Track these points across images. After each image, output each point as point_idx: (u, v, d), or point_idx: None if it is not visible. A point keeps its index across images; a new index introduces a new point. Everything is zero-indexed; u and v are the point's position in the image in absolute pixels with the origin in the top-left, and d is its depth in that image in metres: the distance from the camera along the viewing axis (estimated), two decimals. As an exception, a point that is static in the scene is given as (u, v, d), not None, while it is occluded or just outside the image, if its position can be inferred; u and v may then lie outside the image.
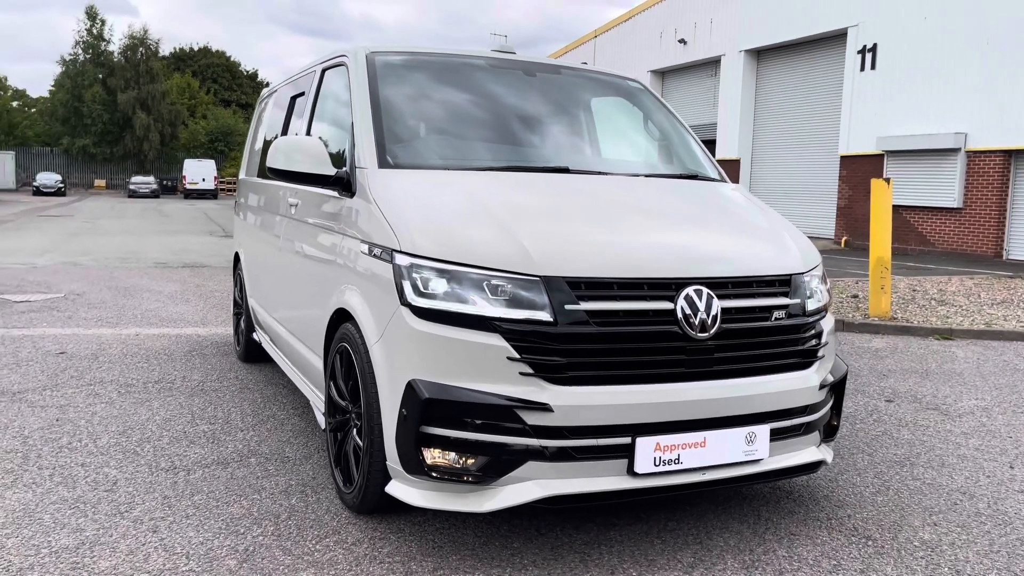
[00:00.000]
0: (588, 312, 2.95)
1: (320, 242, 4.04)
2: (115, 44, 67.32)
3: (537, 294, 2.94)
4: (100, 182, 65.70)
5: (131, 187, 53.58)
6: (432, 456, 2.96)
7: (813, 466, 3.44)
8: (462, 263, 2.99)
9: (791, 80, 24.64)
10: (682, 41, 28.23)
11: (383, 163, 3.58)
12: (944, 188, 19.94)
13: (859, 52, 21.66)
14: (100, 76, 65.50)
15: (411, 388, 2.95)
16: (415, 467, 2.97)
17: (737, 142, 26.03)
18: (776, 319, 3.27)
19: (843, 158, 22.44)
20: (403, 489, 3.08)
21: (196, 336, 7.62)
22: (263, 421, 4.85)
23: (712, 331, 3.09)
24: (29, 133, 71.65)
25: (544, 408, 2.88)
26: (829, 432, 3.65)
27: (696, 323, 3.06)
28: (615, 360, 2.98)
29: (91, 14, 66.02)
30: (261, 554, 3.09)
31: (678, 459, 3.04)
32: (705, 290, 3.11)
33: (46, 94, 71.08)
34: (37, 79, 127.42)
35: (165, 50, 72.98)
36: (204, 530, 3.30)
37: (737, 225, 3.70)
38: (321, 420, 3.89)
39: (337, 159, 3.91)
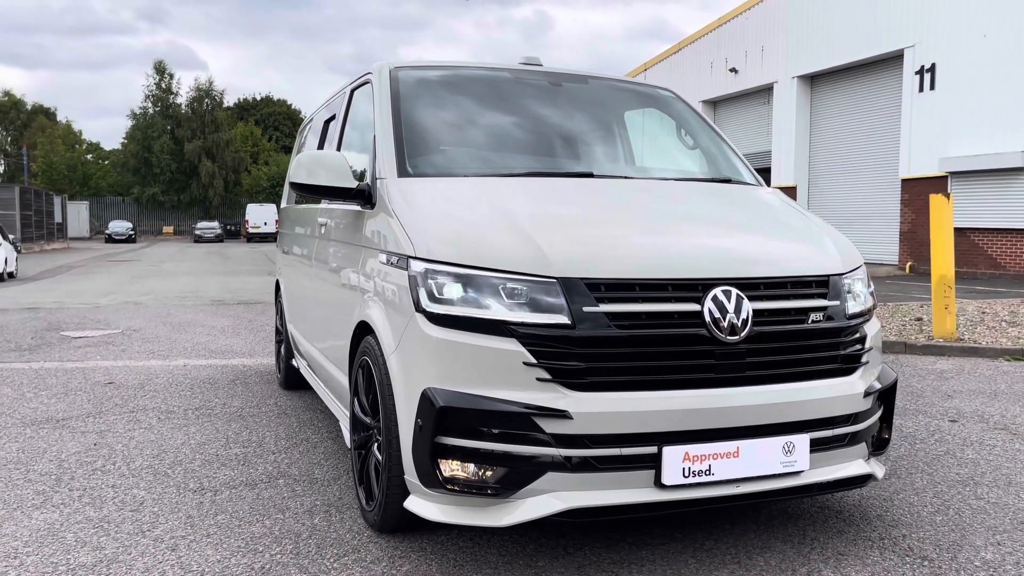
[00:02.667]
0: (608, 315, 2.81)
1: (345, 258, 4.00)
2: (182, 96, 69.96)
3: (554, 296, 2.82)
4: (168, 228, 67.94)
5: (196, 232, 55.29)
6: (448, 468, 2.84)
7: (860, 480, 3.21)
8: (476, 266, 2.89)
9: (847, 104, 24.16)
10: (733, 70, 28.01)
11: (402, 172, 3.53)
12: (1013, 208, 19.17)
13: (917, 73, 21.14)
14: (168, 127, 68.08)
15: (425, 397, 2.85)
16: (431, 480, 2.85)
17: (793, 169, 25.56)
18: (814, 321, 3.08)
19: (904, 181, 21.81)
20: (421, 504, 2.96)
21: (242, 366, 7.66)
22: (296, 444, 4.79)
23: (743, 334, 2.91)
24: (102, 184, 74.70)
25: (563, 415, 2.74)
26: (879, 445, 3.42)
27: (725, 326, 2.89)
28: (638, 365, 2.83)
29: (159, 69, 68.86)
30: (277, 572, 3.00)
31: (709, 470, 2.86)
32: (734, 291, 2.94)
33: (118, 146, 74.09)
34: (111, 133, 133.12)
35: (229, 100, 75.60)
36: (223, 549, 3.22)
37: (771, 226, 3.53)
38: (348, 439, 3.80)
39: (361, 174, 3.88)
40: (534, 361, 2.77)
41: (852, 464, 3.19)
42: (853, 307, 3.24)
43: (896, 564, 3.09)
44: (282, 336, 6.55)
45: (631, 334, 2.81)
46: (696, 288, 2.93)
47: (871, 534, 3.40)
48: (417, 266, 3.00)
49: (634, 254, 2.97)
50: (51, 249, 41.74)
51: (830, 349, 3.12)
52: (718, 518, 3.54)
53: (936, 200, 9.07)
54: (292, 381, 6.28)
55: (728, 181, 4.03)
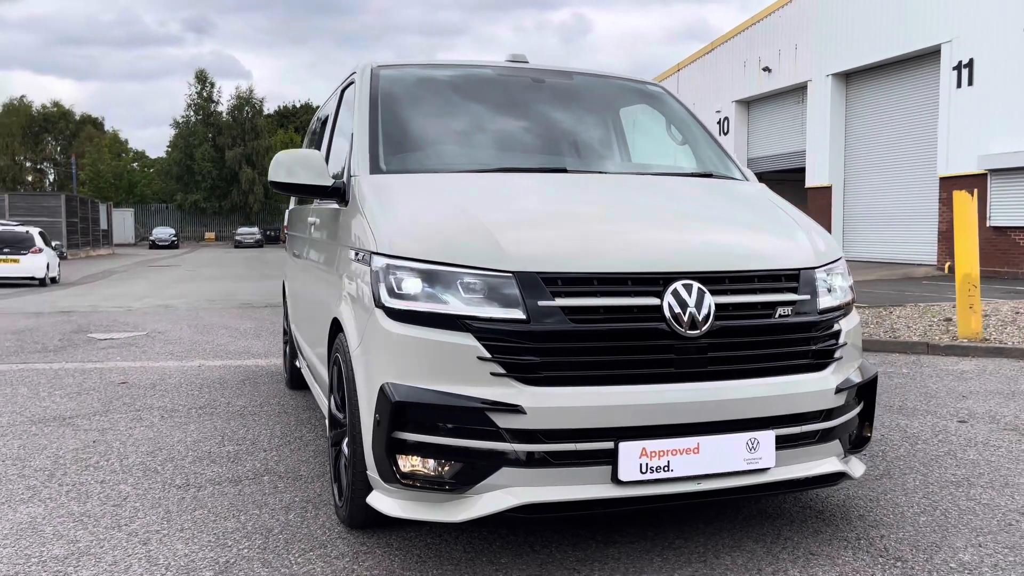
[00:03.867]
0: (564, 308, 2.78)
1: (326, 256, 4.03)
2: (223, 105, 71.23)
3: (510, 291, 2.80)
4: (210, 234, 69.16)
5: (237, 238, 56.20)
6: (406, 464, 2.84)
7: (831, 478, 3.13)
8: (434, 261, 2.89)
9: (883, 102, 23.71)
10: (766, 69, 27.66)
11: (375, 169, 3.54)
12: (1055, 206, 18.63)
13: (954, 68, 20.66)
14: (209, 135, 69.39)
15: (383, 392, 2.85)
16: (389, 475, 2.85)
17: (828, 169, 25.14)
18: (781, 316, 3.02)
19: (942, 180, 21.31)
20: (382, 499, 2.97)
21: (255, 367, 7.75)
22: (288, 442, 4.83)
23: (704, 328, 2.87)
24: (147, 191, 76.39)
25: (516, 410, 2.72)
26: (857, 443, 3.34)
27: (685, 320, 2.85)
28: (595, 359, 2.80)
29: (201, 78, 70.25)
30: (240, 566, 3.02)
31: (668, 466, 2.82)
32: (696, 285, 2.89)
33: (163, 155, 75.67)
34: (158, 142, 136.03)
35: (269, 108, 76.74)
36: (192, 543, 3.25)
37: (744, 219, 3.47)
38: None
39: (340, 172, 3.90)
40: (488, 356, 2.76)
41: (824, 462, 3.11)
42: (827, 301, 3.17)
43: (867, 564, 3.01)
44: (288, 336, 6.61)
45: (587, 328, 2.78)
46: (657, 282, 2.89)
47: (848, 534, 3.31)
48: (379, 262, 3.01)
49: (593, 248, 2.94)
50: (96, 255, 42.74)
51: (799, 344, 3.06)
52: (693, 516, 3.48)
53: (960, 196, 8.85)
54: (297, 381, 6.34)
55: (710, 176, 3.98)
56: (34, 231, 22.23)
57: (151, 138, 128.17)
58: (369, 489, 3.09)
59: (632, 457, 2.78)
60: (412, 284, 2.89)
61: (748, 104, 29.88)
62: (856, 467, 3.34)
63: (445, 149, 3.84)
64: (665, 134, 4.55)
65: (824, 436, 3.10)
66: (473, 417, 2.74)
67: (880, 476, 4.11)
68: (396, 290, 2.91)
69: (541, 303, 2.78)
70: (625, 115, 4.48)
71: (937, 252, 21.74)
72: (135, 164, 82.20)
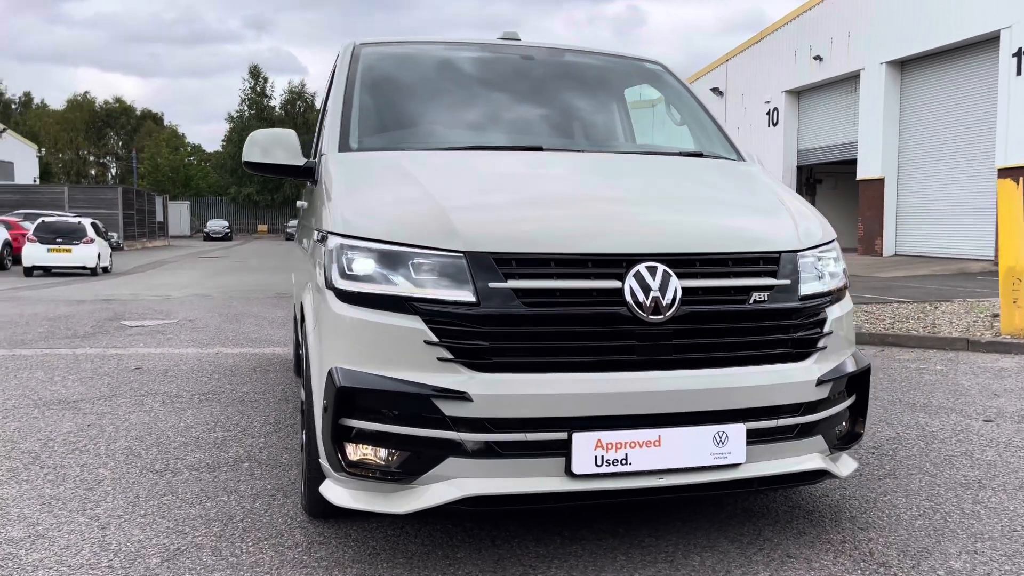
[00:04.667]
0: (517, 291, 2.63)
1: (305, 238, 3.95)
2: (276, 99, 72.30)
3: (460, 272, 2.65)
4: (263, 227, 70.38)
5: (288, 230, 57.04)
6: (353, 452, 2.72)
7: (810, 476, 2.92)
8: (385, 241, 2.75)
9: (939, 91, 22.86)
10: (818, 58, 26.90)
11: (343, 147, 3.43)
12: (1121, 199, 17.70)
13: (1013, 55, 19.78)
14: (263, 129, 70.53)
15: (330, 377, 2.73)
16: (336, 463, 2.74)
17: (880, 160, 24.35)
18: (756, 302, 2.82)
19: (1001, 171, 20.45)
20: (333, 489, 2.85)
21: (271, 355, 7.75)
22: (279, 430, 4.76)
23: (669, 314, 2.68)
24: (202, 184, 78.06)
25: (462, 397, 2.58)
26: (847, 439, 3.12)
27: (647, 304, 2.67)
28: (548, 345, 2.64)
29: (254, 73, 71.45)
30: (188, 554, 2.94)
31: (626, 459, 2.64)
32: (661, 267, 2.71)
33: (219, 148, 77.21)
34: (215, 136, 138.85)
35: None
36: (150, 529, 3.19)
37: (724, 199, 3.27)
38: None
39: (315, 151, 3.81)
40: (436, 340, 2.62)
41: (803, 459, 2.91)
42: (811, 287, 2.96)
43: (846, 569, 2.80)
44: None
45: (541, 312, 2.63)
46: (620, 264, 2.71)
47: (834, 536, 3.10)
48: (333, 241, 2.89)
49: (553, 228, 2.78)
50: (152, 246, 43.79)
51: (777, 332, 2.85)
52: (670, 513, 3.30)
53: (1004, 185, 8.42)
54: (301, 368, 6.29)
55: (700, 155, 3.77)
56: (86, 222, 22.79)
57: (210, 133, 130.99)
58: (323, 478, 2.98)
59: (586, 449, 2.62)
60: (363, 265, 2.77)
61: (799, 94, 29.14)
62: (845, 465, 3.12)
63: (420, 127, 3.71)
64: (666, 113, 4.35)
65: (804, 431, 2.89)
66: (418, 404, 2.61)
67: (884, 476, 3.86)
68: (347, 271, 2.79)
69: (492, 285, 2.63)
70: (615, 90, 4.29)
71: (995, 246, 20.88)
72: (192, 158, 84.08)
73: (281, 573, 2.79)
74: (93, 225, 23.12)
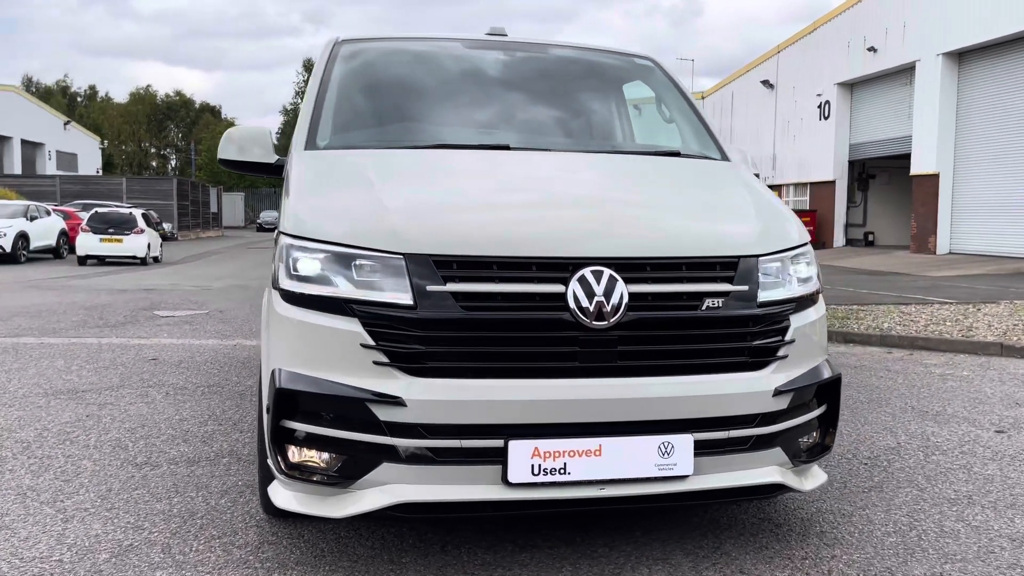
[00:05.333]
0: (455, 294, 2.57)
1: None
2: (330, 92, 73.13)
3: (399, 274, 2.61)
4: (316, 218, 71.27)
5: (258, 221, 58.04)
6: (294, 454, 2.70)
7: (766, 490, 2.81)
8: (328, 241, 2.72)
9: (998, 83, 21.99)
10: (872, 49, 26.13)
11: (309, 145, 3.41)
12: None
13: (1078, 46, 18.94)
14: (317, 122, 71.47)
15: (272, 378, 2.72)
16: (278, 465, 2.72)
17: (935, 155, 23.56)
18: (709, 308, 2.71)
19: (1062, 167, 19.64)
20: (278, 491, 2.84)
21: (287, 348, 7.80)
22: (268, 424, 4.79)
23: (614, 319, 2.60)
24: (257, 177, 79.37)
25: (396, 402, 2.53)
26: (816, 452, 2.99)
27: (591, 310, 2.59)
28: (486, 350, 2.58)
29: (308, 66, 72.35)
30: (137, 551, 2.96)
31: (564, 469, 2.57)
32: (607, 271, 2.62)
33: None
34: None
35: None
36: (110, 524, 3.23)
37: (686, 201, 3.17)
38: None
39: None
40: (372, 343, 2.58)
41: (758, 471, 2.79)
42: (772, 294, 2.84)
43: (798, 589, 2.69)
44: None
45: (480, 317, 2.57)
46: (565, 268, 2.64)
47: (796, 552, 2.98)
48: (282, 241, 2.87)
49: (498, 230, 2.71)
50: (205, 236, 44.76)
51: (731, 340, 2.75)
52: (633, 523, 3.21)
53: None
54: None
55: (677, 154, 3.66)
56: (137, 212, 23.37)
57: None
58: (273, 478, 2.97)
59: (523, 457, 2.55)
60: (308, 265, 2.74)
61: (851, 87, 28.36)
62: (810, 478, 3.00)
63: (390, 125, 3.67)
64: (657, 111, 4.24)
65: (760, 443, 2.78)
66: (354, 408, 2.58)
67: (870, 488, 3.71)
68: (293, 271, 2.77)
69: (430, 288, 2.58)
70: (597, 87, 4.17)
71: (1053, 245, 20.09)
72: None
73: (223, 573, 2.79)
74: (144, 216, 23.70)
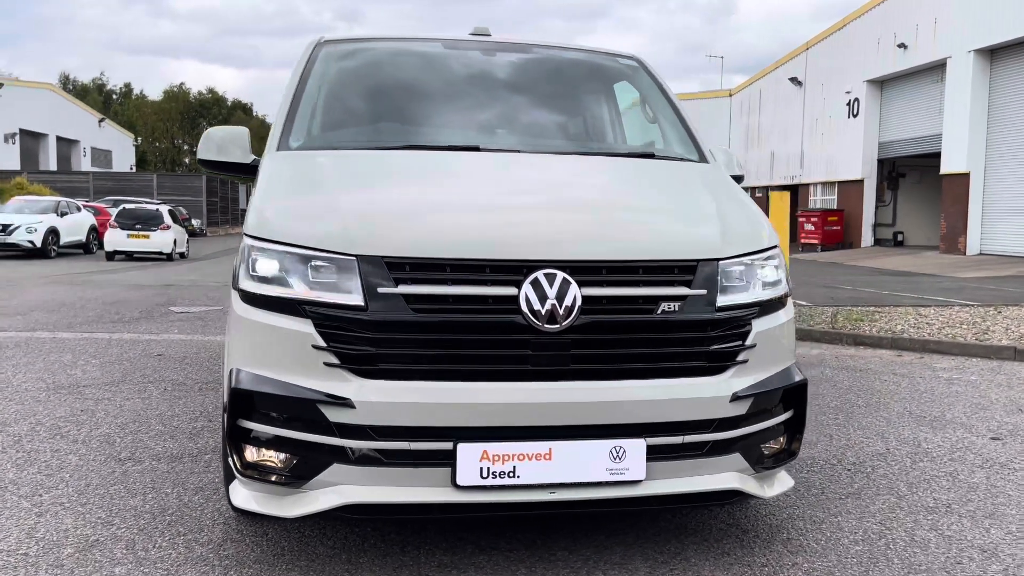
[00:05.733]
0: (407, 296, 2.58)
1: None
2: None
3: (351, 276, 2.62)
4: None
5: None
6: (250, 454, 2.72)
7: (724, 496, 2.78)
8: (285, 242, 2.74)
9: (1031, 80, 21.54)
10: (902, 46, 25.72)
11: (282, 146, 3.43)
12: None
13: (1113, 42, 18.49)
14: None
15: (229, 378, 2.75)
16: (234, 464, 2.75)
17: (966, 154, 23.13)
18: (664, 312, 2.69)
19: (1096, 166, 19.20)
20: (237, 490, 2.86)
21: (293, 345, 7.86)
22: (257, 421, 4.83)
23: (566, 322, 2.59)
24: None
25: (345, 404, 2.55)
26: (781, 457, 2.96)
27: (543, 312, 2.58)
28: (437, 353, 2.58)
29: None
30: (102, 547, 3.01)
31: (513, 472, 2.57)
32: (560, 274, 2.61)
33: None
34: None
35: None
36: (81, 519, 3.28)
37: (649, 204, 3.14)
38: None
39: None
40: (323, 344, 2.59)
41: (715, 477, 2.77)
42: (732, 298, 2.80)
43: (752, 597, 2.66)
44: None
45: (430, 319, 2.57)
46: (519, 270, 2.63)
47: (757, 559, 2.95)
48: (244, 242, 2.90)
49: (452, 232, 2.71)
50: (234, 232, 45.23)
51: (687, 344, 2.72)
52: (597, 526, 3.20)
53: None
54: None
55: (651, 156, 3.62)
56: (164, 209, 23.71)
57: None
58: (234, 477, 3.00)
59: (471, 460, 2.55)
60: (266, 266, 2.76)
61: (881, 84, 27.94)
62: (774, 485, 2.96)
63: (361, 126, 3.68)
64: (642, 112, 4.21)
65: (718, 448, 2.76)
66: (305, 409, 2.59)
67: (847, 496, 3.65)
68: (251, 272, 2.79)
69: (381, 289, 2.58)
70: (579, 87, 4.14)
71: (1086, 247, 19.64)
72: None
73: (181, 570, 2.82)
74: (171, 212, 24.04)
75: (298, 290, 2.67)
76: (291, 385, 2.61)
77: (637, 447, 2.63)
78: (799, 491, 3.68)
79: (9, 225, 22.08)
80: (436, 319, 2.57)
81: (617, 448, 2.62)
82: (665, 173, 3.46)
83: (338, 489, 2.59)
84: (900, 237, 28.78)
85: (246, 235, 2.88)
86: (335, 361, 2.59)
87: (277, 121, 3.58)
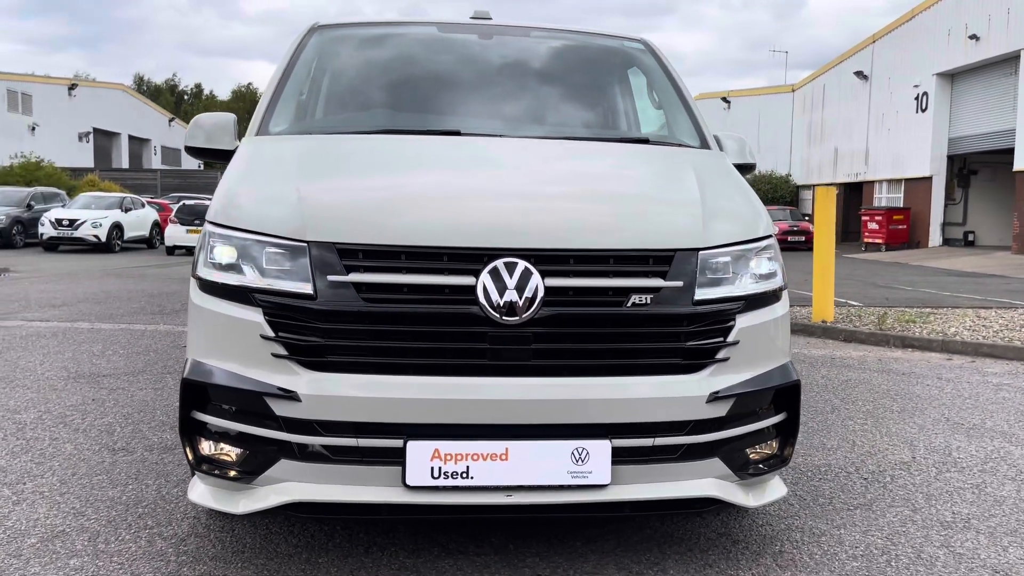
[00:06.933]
0: (357, 285, 2.45)
1: None
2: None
3: (302, 263, 2.50)
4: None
5: None
6: (203, 447, 2.63)
7: (699, 503, 2.58)
8: (239, 228, 2.64)
9: (1113, 71, 20.41)
10: (973, 37, 24.65)
11: (261, 131, 3.34)
12: None
13: None
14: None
15: (184, 368, 2.66)
16: (189, 458, 2.66)
17: (1041, 149, 22.06)
18: (635, 304, 2.50)
19: None
20: (195, 485, 2.76)
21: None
22: (260, 414, 4.78)
23: (526, 315, 2.42)
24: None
25: (291, 397, 2.43)
26: (770, 464, 2.74)
27: (500, 304, 2.42)
28: (388, 345, 2.44)
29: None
30: (65, 538, 2.96)
31: (467, 472, 2.42)
32: (521, 263, 2.45)
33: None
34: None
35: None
36: (56, 508, 3.24)
37: (631, 191, 2.95)
38: None
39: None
40: (271, 335, 2.48)
41: (690, 483, 2.57)
42: (712, 291, 2.60)
43: (724, 614, 2.45)
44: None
45: (381, 309, 2.43)
46: (480, 259, 2.47)
47: (741, 573, 2.73)
48: (205, 228, 2.81)
49: (410, 219, 2.56)
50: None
51: (659, 340, 2.53)
52: (576, 531, 3.01)
53: None
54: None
55: (646, 141, 3.42)
56: (221, 205, 24.14)
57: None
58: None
59: (422, 459, 2.41)
60: (222, 253, 2.66)
61: (951, 77, 26.84)
62: (762, 493, 2.74)
63: (344, 111, 3.57)
64: (648, 97, 4.01)
65: (693, 452, 2.55)
66: (252, 402, 2.49)
67: (857, 507, 3.39)
68: (209, 259, 2.69)
69: (331, 277, 2.46)
70: (576, 71, 3.94)
71: None
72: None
73: (136, 564, 2.75)
74: (228, 208, 24.46)
75: (250, 278, 2.56)
76: (240, 376, 2.51)
77: (601, 449, 2.45)
78: (804, 500, 3.44)
79: (76, 220, 22.83)
80: (387, 309, 2.43)
81: (579, 450, 2.45)
82: (653, 159, 3.26)
83: (284, 487, 2.48)
84: (971, 237, 27.63)
85: (207, 221, 2.79)
86: (283, 352, 2.47)
87: (260, 106, 3.50)
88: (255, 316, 2.51)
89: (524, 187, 2.86)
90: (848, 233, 33.77)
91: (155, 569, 2.71)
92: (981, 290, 14.25)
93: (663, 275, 2.54)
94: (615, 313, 2.49)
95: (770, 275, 2.77)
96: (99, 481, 3.57)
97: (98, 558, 2.79)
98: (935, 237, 27.72)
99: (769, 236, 2.84)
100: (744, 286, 2.68)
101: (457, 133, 3.27)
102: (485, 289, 2.43)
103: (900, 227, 27.85)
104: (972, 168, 28.00)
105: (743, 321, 2.64)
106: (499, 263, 2.45)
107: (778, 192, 37.06)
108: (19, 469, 3.72)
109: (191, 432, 2.62)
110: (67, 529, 3.04)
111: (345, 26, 3.97)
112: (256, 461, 2.52)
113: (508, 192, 2.79)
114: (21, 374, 5.83)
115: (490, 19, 4.11)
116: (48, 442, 4.15)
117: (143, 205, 26.53)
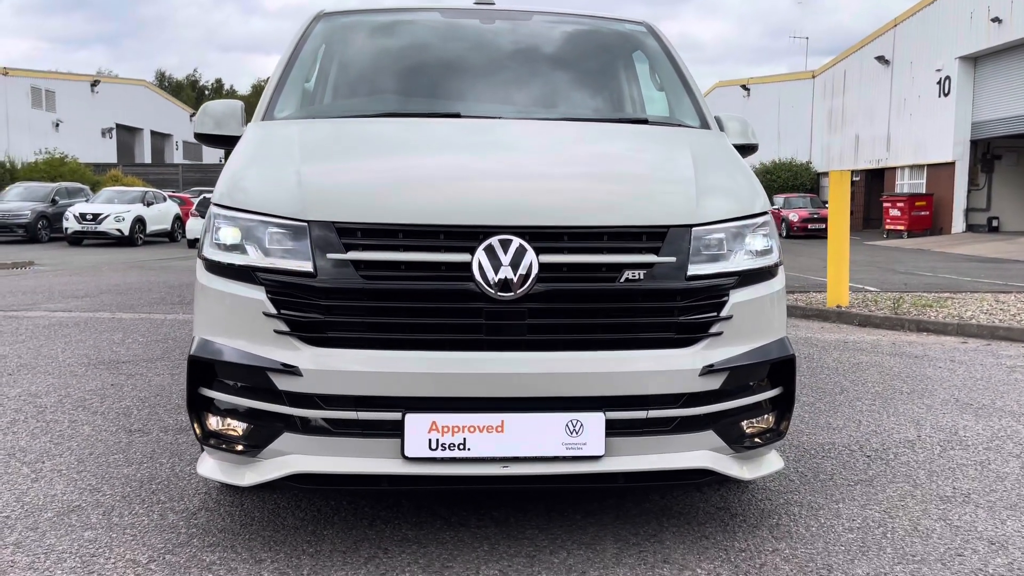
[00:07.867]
0: (356, 263, 2.51)
1: None
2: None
3: (302, 242, 2.57)
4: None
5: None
6: (210, 422, 2.71)
7: (693, 475, 2.62)
8: (244, 209, 2.71)
9: None
10: (996, 19, 24.30)
11: (267, 116, 3.42)
12: None
13: None
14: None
15: (191, 346, 2.74)
16: (197, 433, 2.74)
17: (1066, 132, 21.74)
18: (628, 280, 2.55)
19: None
20: (204, 460, 2.85)
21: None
22: (273, 397, 4.87)
23: (521, 291, 2.48)
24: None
25: (293, 372, 2.50)
26: (765, 437, 2.78)
27: (495, 280, 2.47)
28: (387, 321, 2.51)
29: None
30: (80, 512, 3.06)
31: (464, 444, 2.48)
32: (516, 240, 2.50)
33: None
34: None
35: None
36: (73, 485, 3.35)
37: (625, 170, 2.98)
38: None
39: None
40: (274, 312, 2.56)
41: (684, 455, 2.61)
42: (706, 267, 2.63)
43: (717, 582, 2.50)
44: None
45: (380, 286, 2.50)
46: (475, 236, 2.53)
47: (737, 544, 2.78)
48: (211, 210, 2.88)
49: (406, 197, 2.63)
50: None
51: (652, 315, 2.57)
52: (577, 505, 3.07)
53: None
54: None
55: (645, 122, 3.45)
56: (242, 198, 24.36)
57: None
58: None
59: (420, 431, 2.48)
60: (227, 234, 2.74)
61: (975, 60, 26.48)
62: (758, 466, 2.78)
63: (347, 96, 3.64)
64: (650, 79, 4.04)
65: (687, 425, 2.60)
66: (256, 377, 2.57)
67: (857, 482, 3.42)
68: (214, 240, 2.77)
69: (331, 256, 2.53)
70: (577, 54, 3.97)
71: None
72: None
73: (147, 536, 2.84)
74: (249, 201, 24.69)
75: (254, 257, 2.64)
76: (244, 353, 2.58)
77: (595, 421, 2.50)
78: (805, 476, 3.48)
79: (99, 214, 23.17)
80: (386, 286, 2.50)
81: (574, 422, 2.50)
82: (650, 139, 3.30)
83: (287, 459, 2.55)
84: (995, 223, 27.30)
85: (213, 203, 2.87)
86: (285, 329, 2.55)
87: (265, 92, 3.57)
88: (258, 294, 2.59)
89: (520, 167, 2.91)
90: (869, 220, 33.46)
91: (166, 540, 2.80)
92: (1003, 275, 14.12)
93: (656, 251, 2.59)
94: (608, 289, 2.54)
95: (765, 251, 2.80)
96: (115, 460, 3.68)
97: (111, 530, 2.89)
98: (958, 223, 27.41)
99: (765, 213, 2.87)
100: (738, 262, 2.72)
101: (456, 115, 3.32)
102: (480, 266, 2.48)
103: (922, 213, 27.56)
104: (996, 153, 27.64)
105: (737, 296, 2.68)
106: (494, 240, 2.50)
107: (799, 179, 36.79)
108: (38, 449, 3.83)
109: (199, 408, 2.70)
110: (83, 504, 3.14)
111: (350, 13, 4.03)
112: (260, 435, 2.60)
113: (504, 172, 2.84)
114: (43, 361, 5.97)
115: (493, 3, 4.16)
116: (67, 424, 4.27)
117: (164, 199, 26.83)
